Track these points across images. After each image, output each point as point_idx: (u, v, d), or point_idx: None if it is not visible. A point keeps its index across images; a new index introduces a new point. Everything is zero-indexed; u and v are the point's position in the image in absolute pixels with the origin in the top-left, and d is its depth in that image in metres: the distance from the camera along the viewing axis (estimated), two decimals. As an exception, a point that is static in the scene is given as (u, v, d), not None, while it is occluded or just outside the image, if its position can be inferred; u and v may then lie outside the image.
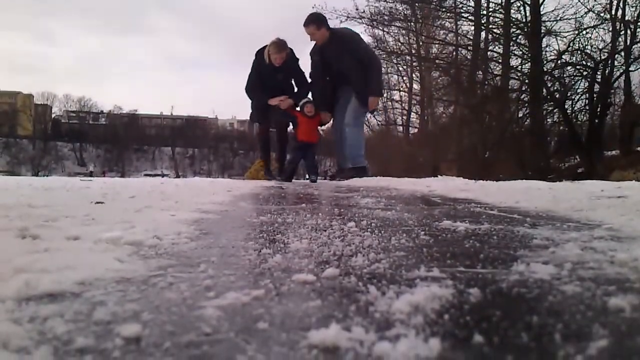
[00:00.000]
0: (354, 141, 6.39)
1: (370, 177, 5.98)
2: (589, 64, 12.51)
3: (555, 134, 13.75)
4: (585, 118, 12.74)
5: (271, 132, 6.98)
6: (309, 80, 6.60)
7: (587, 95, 12.54)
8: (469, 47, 15.14)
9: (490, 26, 14.19)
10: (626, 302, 0.55)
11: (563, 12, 12.84)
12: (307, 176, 7.15)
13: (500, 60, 13.70)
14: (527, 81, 12.83)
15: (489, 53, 14.26)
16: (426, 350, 0.42)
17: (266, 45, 6.34)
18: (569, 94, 12.67)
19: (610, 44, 12.40)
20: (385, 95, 26.34)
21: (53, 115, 68.41)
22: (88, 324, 0.50)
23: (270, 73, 6.33)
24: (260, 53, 6.37)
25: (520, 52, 13.45)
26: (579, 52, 12.58)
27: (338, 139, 6.59)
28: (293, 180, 6.60)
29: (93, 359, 0.41)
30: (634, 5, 12.06)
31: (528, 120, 13.02)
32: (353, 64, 6.09)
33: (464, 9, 14.84)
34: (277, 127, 6.80)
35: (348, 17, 14.12)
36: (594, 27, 12.55)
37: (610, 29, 12.48)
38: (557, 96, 12.55)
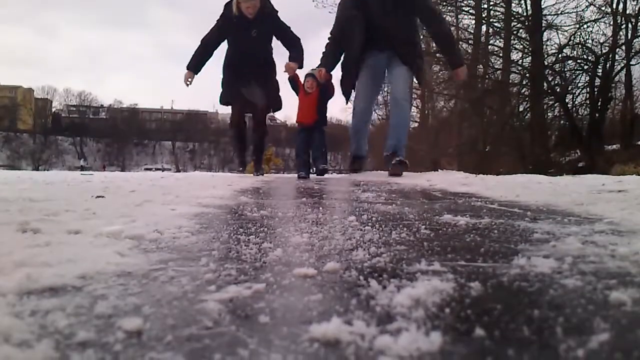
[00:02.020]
0: (403, 122, 4.82)
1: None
2: (589, 58, 12.49)
3: (555, 128, 13.74)
4: (586, 112, 12.74)
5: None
6: (329, 37, 5.06)
7: (588, 89, 12.52)
8: (470, 41, 15.09)
9: (491, 20, 14.15)
10: (627, 295, 0.55)
11: (564, 5, 12.81)
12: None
13: (500, 54, 13.66)
14: (527, 75, 12.80)
15: (489, 47, 14.22)
16: (427, 343, 0.42)
17: None
18: (569, 88, 12.66)
19: (611, 38, 12.38)
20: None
21: (53, 110, 68.47)
22: (89, 317, 0.50)
23: (240, 28, 5.01)
24: (229, 4, 5.11)
25: (521, 46, 13.43)
26: (579, 46, 12.57)
27: (361, 119, 5.06)
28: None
29: (94, 353, 0.41)
30: (635, -2, 12.01)
31: (529, 114, 13.01)
32: (408, 23, 4.64)
33: (465, 2, 14.77)
34: (253, 111, 5.39)
35: (349, 10, 14.03)
36: (595, 20, 12.52)
37: (611, 22, 12.45)
38: (558, 90, 12.53)
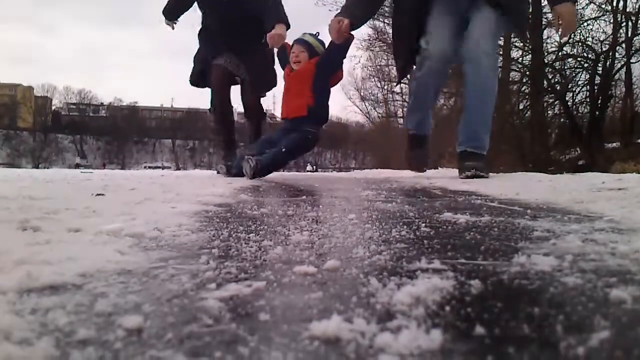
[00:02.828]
0: (483, 94, 3.16)
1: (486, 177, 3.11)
2: (590, 55, 12.49)
3: (555, 126, 13.73)
4: (586, 110, 12.75)
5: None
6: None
7: (588, 87, 12.53)
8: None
9: (491, 18, 14.10)
10: (627, 293, 0.55)
11: (564, 3, 12.75)
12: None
13: (500, 52, 13.63)
14: (527, 73, 12.79)
15: (489, 45, 14.18)
16: (428, 341, 0.42)
17: None
18: (569, 86, 12.66)
19: (611, 36, 12.37)
20: (385, 87, 26.49)
21: (53, 108, 68.48)
22: (90, 315, 0.50)
23: None
24: None
25: (521, 44, 13.40)
26: (580, 44, 12.56)
27: (436, 69, 3.18)
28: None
29: (95, 351, 0.41)
30: (635, -4, 12.00)
31: (529, 112, 13.00)
32: None
33: (465, 0, 14.72)
34: (241, 88, 4.13)
35: (349, 8, 13.99)
36: (595, 18, 12.51)
37: (612, 20, 12.43)
38: (558, 88, 12.53)
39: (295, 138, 3.64)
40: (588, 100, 12.56)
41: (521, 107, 13.39)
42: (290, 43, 3.88)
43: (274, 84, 4.13)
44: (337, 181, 3.72)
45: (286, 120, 3.79)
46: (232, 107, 4.35)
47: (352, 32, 3.37)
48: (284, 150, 3.57)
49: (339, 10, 3.39)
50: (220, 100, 4.15)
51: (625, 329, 0.46)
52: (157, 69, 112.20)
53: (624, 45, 12.34)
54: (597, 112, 12.23)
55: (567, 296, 0.56)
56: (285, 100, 3.78)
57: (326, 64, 3.62)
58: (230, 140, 4.35)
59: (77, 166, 36.95)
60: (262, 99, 4.39)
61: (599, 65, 12.26)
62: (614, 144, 12.86)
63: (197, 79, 4.21)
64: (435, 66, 3.20)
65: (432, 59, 3.17)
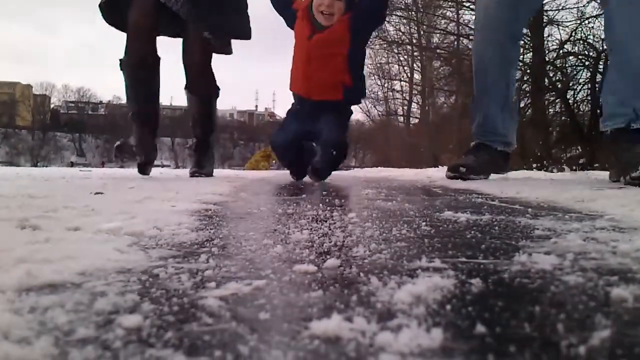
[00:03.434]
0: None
1: None
2: (591, 53, 12.48)
3: (556, 124, 13.72)
4: (587, 108, 12.73)
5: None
6: None
7: (589, 85, 12.51)
8: (471, 37, 15.06)
9: (492, 16, 14.07)
10: (628, 292, 0.54)
11: (565, 1, 12.77)
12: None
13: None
14: (528, 71, 12.77)
15: (490, 43, 14.16)
16: (428, 340, 0.42)
17: None
18: (571, 84, 12.64)
19: (612, 34, 12.32)
20: (385, 85, 26.49)
21: (52, 106, 68.48)
22: (89, 314, 0.50)
23: None
24: None
25: (522, 42, 13.39)
26: (581, 41, 12.54)
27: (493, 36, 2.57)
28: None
29: (94, 350, 0.41)
30: (636, -6, 11.98)
31: (529, 111, 12.99)
32: None
33: (466, -2, 14.73)
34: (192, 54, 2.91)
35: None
36: (597, 16, 12.47)
37: (613, 18, 12.39)
38: (559, 86, 12.51)
39: (333, 121, 2.59)
40: (589, 98, 12.54)
41: (522, 105, 13.38)
42: None
43: (244, 35, 2.84)
44: (336, 180, 3.71)
45: (307, 101, 2.69)
46: (158, 62, 2.98)
47: None
48: (334, 152, 2.67)
49: None
50: (141, 61, 2.82)
51: (626, 328, 0.45)
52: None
53: (624, 44, 12.32)
54: (598, 111, 12.21)
55: (568, 295, 0.56)
56: (303, 71, 2.65)
57: (364, 19, 2.47)
58: (157, 119, 3.00)
59: (72, 164, 36.47)
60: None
61: (600, 63, 12.25)
62: (615, 142, 12.85)
63: (113, 15, 2.87)
64: (486, 32, 2.57)
65: (478, 21, 2.67)
